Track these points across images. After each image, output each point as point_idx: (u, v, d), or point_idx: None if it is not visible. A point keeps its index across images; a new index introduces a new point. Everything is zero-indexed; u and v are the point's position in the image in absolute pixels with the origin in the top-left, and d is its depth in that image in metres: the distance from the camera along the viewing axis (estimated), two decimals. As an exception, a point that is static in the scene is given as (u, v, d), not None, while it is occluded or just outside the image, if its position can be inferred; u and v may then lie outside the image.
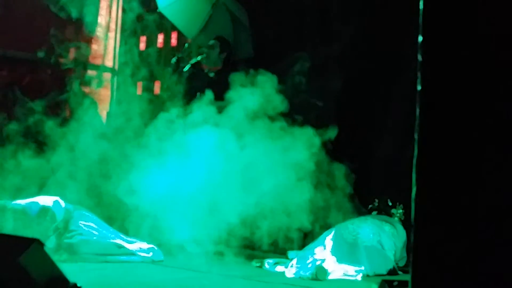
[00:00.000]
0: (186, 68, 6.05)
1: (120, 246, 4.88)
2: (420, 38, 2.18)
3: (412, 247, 2.20)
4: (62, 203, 4.94)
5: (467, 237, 2.04)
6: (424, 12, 2.18)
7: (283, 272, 4.56)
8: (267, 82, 5.33)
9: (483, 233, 2.04)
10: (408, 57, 4.58)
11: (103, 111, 8.26)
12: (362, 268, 4.58)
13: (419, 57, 2.17)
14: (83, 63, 7.40)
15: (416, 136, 2.19)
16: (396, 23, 5.70)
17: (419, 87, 2.15)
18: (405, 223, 5.10)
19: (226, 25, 6.34)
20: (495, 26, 2.04)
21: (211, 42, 6.21)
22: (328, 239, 4.76)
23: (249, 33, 6.45)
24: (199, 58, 6.16)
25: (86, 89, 7.21)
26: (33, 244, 2.96)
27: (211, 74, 6.19)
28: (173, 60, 6.30)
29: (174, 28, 7.93)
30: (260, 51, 6.50)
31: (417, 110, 2.19)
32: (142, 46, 8.29)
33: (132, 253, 4.89)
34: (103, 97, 8.29)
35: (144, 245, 5.02)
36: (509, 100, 2.03)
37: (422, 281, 2.14)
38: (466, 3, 2.09)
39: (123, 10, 7.85)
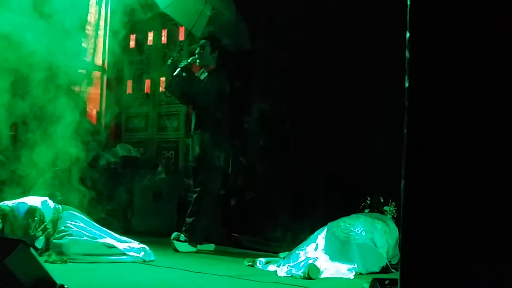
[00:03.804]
0: (176, 72, 5.98)
1: (111, 246, 4.84)
2: (407, 35, 2.15)
3: (401, 245, 2.18)
4: (51, 203, 4.90)
5: (456, 236, 2.02)
6: (411, 8, 2.15)
7: (275, 271, 4.54)
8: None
9: (473, 231, 2.02)
10: (399, 53, 4.55)
11: (93, 109, 8.23)
12: (355, 266, 4.56)
13: (407, 54, 2.14)
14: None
15: (404, 133, 2.17)
16: (387, 19, 5.70)
17: (407, 84, 2.13)
18: (398, 220, 5.08)
19: (230, 18, 6.27)
20: (483, 22, 2.01)
21: (202, 42, 6.15)
22: (320, 238, 4.73)
23: (245, 26, 6.41)
24: (190, 60, 6.11)
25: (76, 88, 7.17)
26: (19, 246, 2.92)
27: (204, 75, 6.14)
28: (169, 61, 6.24)
29: (164, 25, 7.92)
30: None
31: (406, 106, 2.17)
32: (132, 44, 8.26)
33: (122, 253, 4.85)
34: (93, 96, 8.25)
35: (135, 245, 4.98)
36: (499, 95, 2.01)
37: (411, 279, 2.11)
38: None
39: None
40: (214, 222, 6.18)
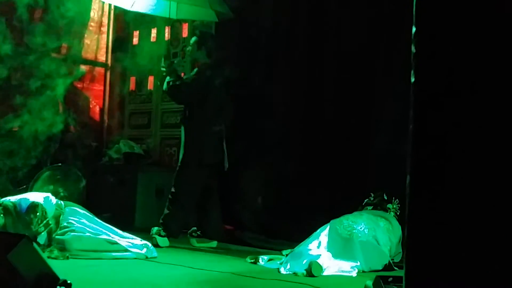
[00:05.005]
0: (168, 82, 5.97)
1: (113, 242, 4.83)
2: (413, 29, 2.14)
3: (405, 243, 2.16)
4: (53, 199, 4.90)
5: (461, 233, 2.00)
6: (417, 2, 2.14)
7: (278, 269, 4.53)
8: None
9: (480, 228, 2.00)
10: (402, 48, 4.54)
11: (96, 106, 8.23)
12: (358, 263, 4.55)
13: (413, 49, 2.12)
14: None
15: (410, 129, 2.15)
16: (391, 14, 5.69)
17: (412, 79, 2.11)
18: (401, 218, 5.07)
19: None
20: (490, 16, 2.00)
21: (193, 39, 6.16)
22: (323, 235, 4.72)
23: None
24: (174, 64, 6.18)
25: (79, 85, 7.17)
26: (22, 241, 2.92)
27: (194, 71, 6.13)
28: (163, 72, 6.12)
29: (168, 22, 7.90)
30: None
31: (411, 103, 2.15)
32: (135, 40, 8.26)
33: (125, 249, 4.84)
34: (96, 92, 8.25)
35: (138, 241, 4.97)
36: (505, 92, 1.99)
37: (416, 276, 2.10)
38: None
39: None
40: (213, 219, 6.13)
